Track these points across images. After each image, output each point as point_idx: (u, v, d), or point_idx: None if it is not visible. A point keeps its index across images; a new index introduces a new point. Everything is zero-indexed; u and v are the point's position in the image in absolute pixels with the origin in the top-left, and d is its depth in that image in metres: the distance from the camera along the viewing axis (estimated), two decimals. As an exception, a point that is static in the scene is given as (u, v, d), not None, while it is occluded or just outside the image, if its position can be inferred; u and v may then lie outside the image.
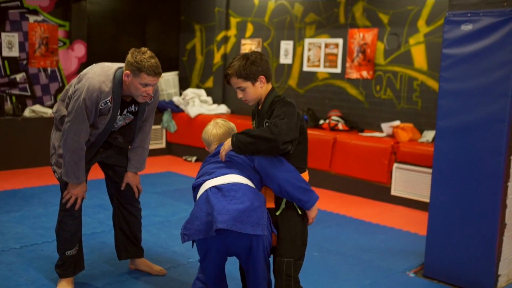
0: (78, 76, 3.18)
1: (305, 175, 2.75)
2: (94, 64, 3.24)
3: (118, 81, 3.07)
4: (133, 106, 3.26)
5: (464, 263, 3.71)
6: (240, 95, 2.75)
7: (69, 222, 3.27)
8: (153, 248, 4.14)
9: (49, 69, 7.78)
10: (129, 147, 3.48)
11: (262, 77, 2.70)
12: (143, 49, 3.03)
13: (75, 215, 3.29)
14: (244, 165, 2.65)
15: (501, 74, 3.52)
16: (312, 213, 2.71)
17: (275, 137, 2.51)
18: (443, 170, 3.79)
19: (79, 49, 8.03)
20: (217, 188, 2.55)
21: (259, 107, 2.81)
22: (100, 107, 3.05)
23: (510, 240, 3.80)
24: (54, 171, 3.23)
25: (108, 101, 3.06)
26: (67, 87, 3.27)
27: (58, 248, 3.33)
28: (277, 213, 2.70)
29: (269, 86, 2.77)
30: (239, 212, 2.44)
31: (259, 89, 2.72)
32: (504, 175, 3.58)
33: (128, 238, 3.60)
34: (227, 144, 2.64)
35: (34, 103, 7.60)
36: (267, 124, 2.63)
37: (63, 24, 7.90)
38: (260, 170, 2.64)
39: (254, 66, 2.67)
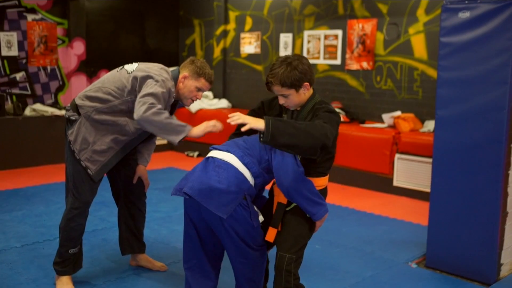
0: (130, 71, 3.15)
1: (325, 179, 2.73)
2: (141, 63, 3.26)
3: (174, 82, 3.23)
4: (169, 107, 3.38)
5: (466, 252, 3.69)
6: (282, 101, 2.67)
7: (80, 221, 3.25)
8: (154, 244, 4.14)
9: (48, 68, 7.77)
10: None
11: (306, 84, 2.62)
12: (202, 59, 3.27)
13: (86, 214, 3.29)
14: (253, 155, 2.63)
15: (500, 61, 3.48)
16: (318, 223, 2.71)
17: (320, 136, 2.41)
18: (443, 159, 3.76)
19: (78, 47, 8.01)
20: (213, 159, 2.63)
21: (297, 108, 2.74)
22: (171, 99, 3.17)
23: (512, 228, 3.78)
24: (86, 167, 3.16)
25: (174, 96, 3.20)
26: (105, 82, 3.20)
27: (61, 245, 3.28)
28: (288, 209, 2.68)
29: (311, 91, 2.70)
30: (211, 188, 2.51)
31: (302, 96, 2.65)
32: (505, 163, 3.56)
33: (133, 233, 3.62)
34: (257, 123, 2.39)
35: (34, 102, 7.59)
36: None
37: (62, 22, 7.89)
38: (274, 172, 2.59)
39: (298, 72, 2.57)
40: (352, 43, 6.97)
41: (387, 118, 6.44)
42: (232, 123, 2.44)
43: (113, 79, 3.20)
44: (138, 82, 3.08)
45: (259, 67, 8.16)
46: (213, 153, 2.67)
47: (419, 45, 6.42)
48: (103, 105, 3.14)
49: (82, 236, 3.34)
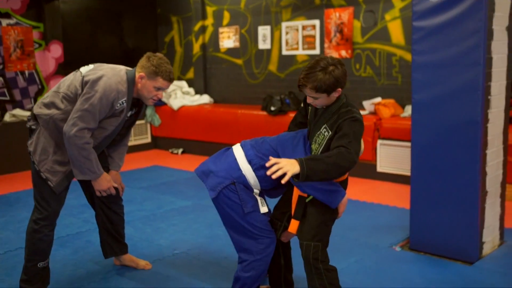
0: (83, 75, 3.05)
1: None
2: (98, 64, 3.18)
3: (131, 83, 3.08)
4: (134, 108, 3.27)
5: (448, 233, 3.72)
6: (310, 100, 2.67)
7: (47, 232, 3.12)
8: (138, 243, 4.13)
9: (26, 72, 7.70)
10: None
11: (339, 90, 2.61)
12: (159, 54, 3.10)
13: (54, 225, 3.18)
14: (260, 150, 2.80)
15: (472, 43, 3.50)
16: (340, 208, 2.75)
17: (349, 165, 2.45)
18: (421, 143, 3.79)
19: (56, 50, 7.94)
20: (229, 149, 2.91)
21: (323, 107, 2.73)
22: (116, 107, 3.03)
23: (493, 207, 3.82)
24: (47, 179, 3.04)
25: (124, 102, 3.06)
26: (61, 87, 3.11)
27: (28, 259, 3.13)
28: (307, 200, 2.75)
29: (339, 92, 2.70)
30: (209, 169, 2.86)
31: (332, 98, 2.65)
32: (482, 143, 3.59)
33: (113, 236, 3.57)
34: (294, 168, 2.38)
35: (14, 107, 7.52)
36: (338, 146, 2.48)
37: (37, 25, 7.81)
38: None
39: (334, 80, 2.54)
40: (330, 33, 6.97)
41: (368, 105, 6.46)
42: (274, 177, 2.41)
43: (68, 83, 3.09)
44: (86, 86, 2.99)
45: (239, 61, 8.14)
46: (235, 145, 2.92)
47: (396, 31, 6.44)
48: (59, 111, 3.03)
49: (50, 249, 3.21)
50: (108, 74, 3.02)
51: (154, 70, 3.03)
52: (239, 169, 2.77)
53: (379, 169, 6.06)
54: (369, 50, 6.68)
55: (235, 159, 2.80)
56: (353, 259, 3.73)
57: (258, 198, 2.83)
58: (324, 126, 2.66)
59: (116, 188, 3.42)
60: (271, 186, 2.85)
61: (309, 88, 2.57)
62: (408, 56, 6.32)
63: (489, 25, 3.49)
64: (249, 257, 2.83)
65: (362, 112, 6.41)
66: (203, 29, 8.55)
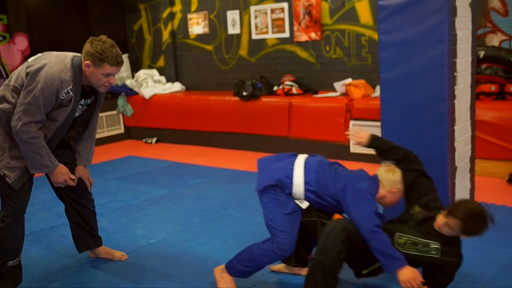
0: (27, 65, 2.96)
1: None
2: (45, 53, 3.06)
3: (77, 70, 2.96)
4: (91, 96, 3.17)
5: (420, 210, 3.77)
6: (445, 229, 2.79)
7: (14, 230, 3.05)
8: (113, 234, 4.10)
9: (-8, 66, 7.52)
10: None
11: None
12: (103, 37, 2.95)
13: (21, 222, 3.09)
14: (325, 182, 2.91)
15: (437, 20, 3.52)
16: (401, 278, 2.68)
17: None
18: (391, 121, 3.82)
19: (21, 42, 7.76)
20: (294, 156, 3.05)
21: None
22: (61, 97, 2.92)
23: (463, 182, 3.88)
24: (4, 176, 2.96)
25: (69, 90, 2.93)
26: (11, 79, 3.02)
27: None
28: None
29: None
30: (267, 165, 3.02)
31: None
32: (450, 119, 3.63)
33: (85, 230, 3.51)
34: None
35: (-19, 103, 7.35)
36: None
37: (0, 17, 7.62)
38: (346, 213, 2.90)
39: (479, 230, 2.71)
40: (298, 15, 6.96)
41: (339, 86, 6.48)
42: None
43: (16, 75, 3.00)
44: (27, 77, 2.90)
45: (209, 47, 8.08)
46: (303, 155, 3.05)
47: (363, 11, 6.45)
48: (10, 105, 2.95)
49: (21, 247, 3.14)
50: (50, 63, 2.92)
51: (99, 57, 2.90)
52: (290, 180, 2.90)
53: (352, 149, 6.11)
54: (338, 31, 6.69)
55: (292, 169, 2.92)
56: (328, 240, 3.77)
57: (298, 200, 2.94)
58: (437, 245, 2.78)
59: (82, 183, 3.36)
60: (316, 208, 3.02)
61: (455, 223, 2.71)
62: (376, 36, 6.34)
63: (452, 1, 3.52)
64: (269, 245, 2.94)
65: (333, 94, 6.46)
66: (172, 15, 8.45)
